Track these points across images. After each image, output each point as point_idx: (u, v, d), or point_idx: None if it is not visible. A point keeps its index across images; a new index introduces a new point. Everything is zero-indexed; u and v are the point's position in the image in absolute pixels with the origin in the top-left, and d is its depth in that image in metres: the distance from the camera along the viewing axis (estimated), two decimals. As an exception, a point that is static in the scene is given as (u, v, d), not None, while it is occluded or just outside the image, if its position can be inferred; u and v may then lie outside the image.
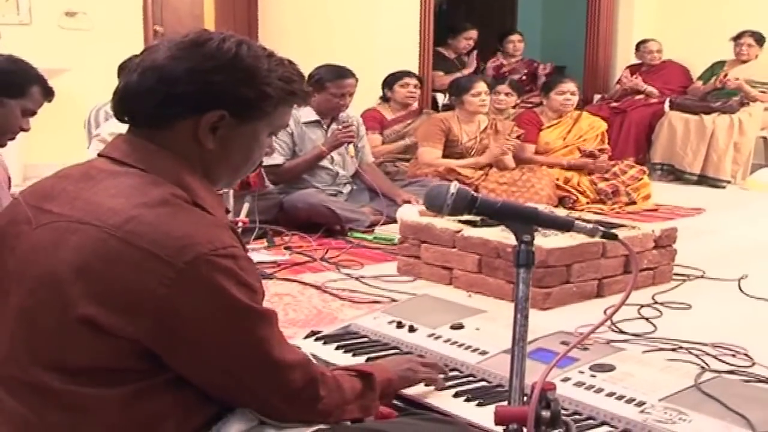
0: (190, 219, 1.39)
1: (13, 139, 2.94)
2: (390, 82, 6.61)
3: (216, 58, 1.47)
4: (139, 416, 1.38)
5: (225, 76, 1.47)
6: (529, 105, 7.67)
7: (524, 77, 8.48)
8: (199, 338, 1.37)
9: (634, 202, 5.96)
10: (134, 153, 1.48)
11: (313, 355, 1.96)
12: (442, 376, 2.09)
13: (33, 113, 2.93)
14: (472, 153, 5.97)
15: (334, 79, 5.06)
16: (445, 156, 5.91)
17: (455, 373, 2.19)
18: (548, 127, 6.30)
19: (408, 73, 6.66)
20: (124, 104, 1.52)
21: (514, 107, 7.16)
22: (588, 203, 5.83)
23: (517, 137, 6.10)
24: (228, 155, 1.54)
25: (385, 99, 6.68)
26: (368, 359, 2.27)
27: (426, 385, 2.04)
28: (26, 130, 2.94)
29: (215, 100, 1.47)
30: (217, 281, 1.34)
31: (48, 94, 2.93)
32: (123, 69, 5.06)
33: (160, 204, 1.39)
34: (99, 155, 1.54)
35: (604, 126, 6.48)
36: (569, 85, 6.26)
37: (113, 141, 1.54)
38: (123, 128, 1.55)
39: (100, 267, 1.33)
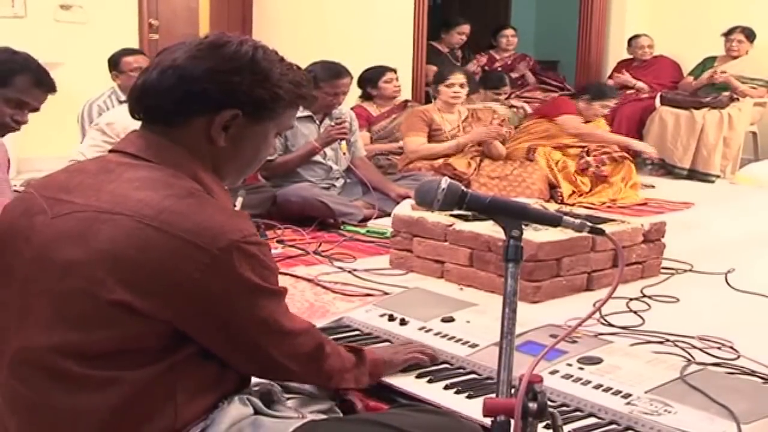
0: (216, 209, 1.48)
1: (14, 129, 2.86)
2: (372, 79, 6.56)
3: (234, 60, 1.55)
4: (143, 400, 1.44)
5: (242, 77, 1.55)
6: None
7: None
8: (227, 316, 1.47)
9: (604, 176, 5.98)
10: (149, 148, 1.54)
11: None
12: (426, 359, 2.18)
13: (24, 104, 2.82)
14: (457, 141, 5.99)
15: (328, 79, 5.03)
16: (431, 146, 5.93)
17: (445, 365, 2.22)
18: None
19: (386, 68, 6.64)
20: (142, 101, 1.58)
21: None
22: (573, 193, 5.88)
23: (500, 123, 6.11)
24: (238, 153, 1.62)
25: (368, 96, 6.63)
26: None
27: (414, 366, 2.14)
28: (21, 122, 2.84)
29: (231, 99, 1.55)
30: (245, 265, 1.45)
31: (41, 84, 2.83)
32: (111, 63, 5.09)
33: (188, 195, 1.47)
34: (111, 150, 1.59)
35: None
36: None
37: (127, 136, 1.60)
38: (121, 119, 1.60)
39: (135, 255, 1.40)
